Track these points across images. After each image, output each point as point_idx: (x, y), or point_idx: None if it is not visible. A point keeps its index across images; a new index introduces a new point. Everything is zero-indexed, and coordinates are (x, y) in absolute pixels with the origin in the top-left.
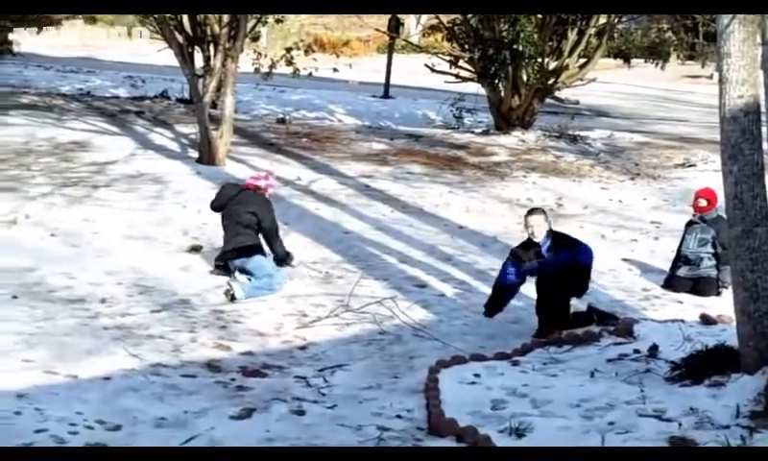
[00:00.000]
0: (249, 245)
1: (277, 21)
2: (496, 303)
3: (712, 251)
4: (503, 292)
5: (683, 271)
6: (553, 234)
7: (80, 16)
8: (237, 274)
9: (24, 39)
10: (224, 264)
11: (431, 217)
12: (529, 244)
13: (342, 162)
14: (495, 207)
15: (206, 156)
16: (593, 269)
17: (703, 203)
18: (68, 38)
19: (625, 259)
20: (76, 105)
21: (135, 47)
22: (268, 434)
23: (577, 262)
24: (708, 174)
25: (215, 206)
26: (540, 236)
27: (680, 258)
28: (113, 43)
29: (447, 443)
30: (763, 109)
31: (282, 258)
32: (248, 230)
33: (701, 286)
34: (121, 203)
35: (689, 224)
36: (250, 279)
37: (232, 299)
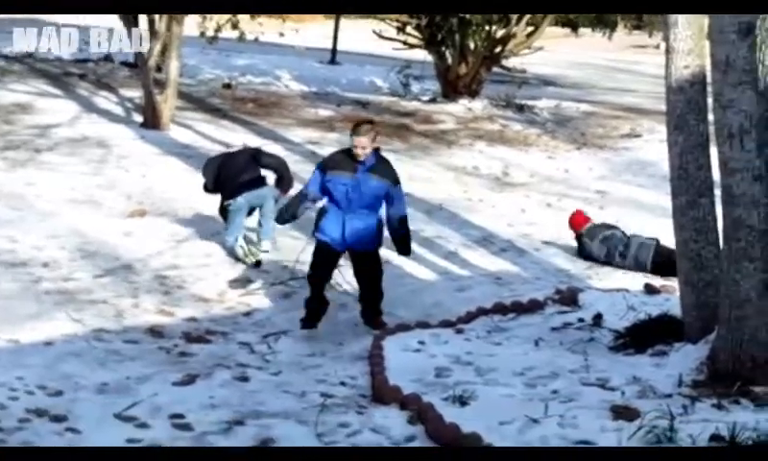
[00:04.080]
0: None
1: None
2: (291, 210)
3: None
4: (303, 201)
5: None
6: (378, 157)
7: None
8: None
9: None
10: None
11: None
12: (349, 156)
13: (288, 129)
14: (441, 175)
15: (151, 120)
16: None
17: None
18: None
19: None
20: (18, 67)
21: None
22: (211, 400)
23: (391, 213)
24: (654, 144)
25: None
26: (363, 157)
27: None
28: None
29: (391, 410)
30: (709, 80)
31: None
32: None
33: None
34: (64, 166)
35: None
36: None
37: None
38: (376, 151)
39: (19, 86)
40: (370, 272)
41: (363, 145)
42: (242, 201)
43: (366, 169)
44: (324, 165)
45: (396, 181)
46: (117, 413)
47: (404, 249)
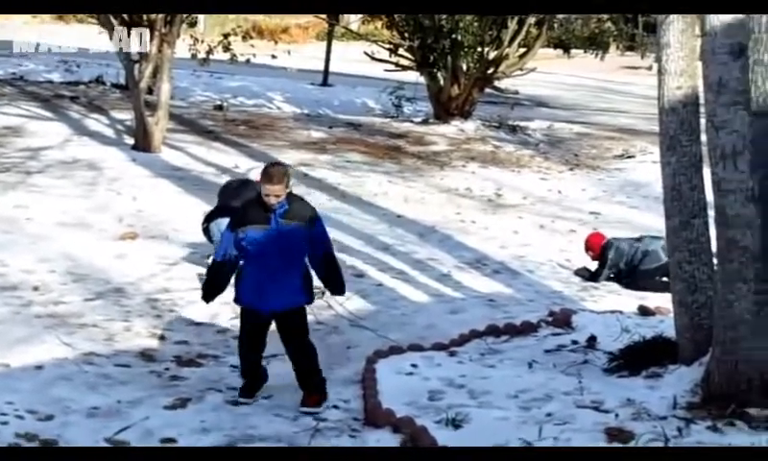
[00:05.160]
0: None
1: None
2: (214, 283)
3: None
4: (223, 268)
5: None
6: (290, 198)
7: None
8: None
9: None
10: None
11: (370, 206)
12: (259, 204)
13: (280, 150)
14: (434, 197)
15: (142, 142)
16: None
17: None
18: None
19: (563, 250)
20: (9, 89)
21: (72, 31)
22: (203, 424)
23: (318, 249)
24: (647, 165)
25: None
26: (276, 204)
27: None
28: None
29: (384, 434)
30: (701, 101)
31: None
32: None
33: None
34: (55, 189)
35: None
36: None
37: None
38: (289, 194)
39: (10, 109)
40: (296, 334)
41: (277, 193)
42: (213, 227)
43: (280, 215)
44: (235, 224)
45: (313, 220)
46: (108, 437)
47: (336, 288)
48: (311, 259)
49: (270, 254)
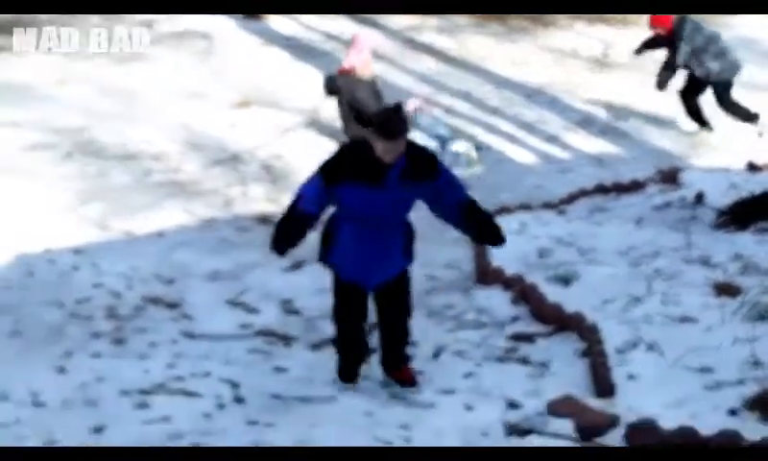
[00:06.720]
0: None
1: None
2: (288, 234)
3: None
4: (299, 222)
5: None
6: (410, 149)
7: None
8: None
9: None
10: None
11: (477, 69)
12: (370, 161)
13: (387, 15)
14: (541, 58)
15: None
16: None
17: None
18: None
19: (672, 108)
20: None
21: None
22: (319, 286)
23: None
24: (760, 21)
25: None
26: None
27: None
28: None
29: (494, 291)
30: None
31: None
32: None
33: None
34: (169, 60)
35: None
36: None
37: None
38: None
39: None
40: (399, 299)
41: (398, 150)
42: None
43: (398, 175)
44: (331, 175)
45: (438, 173)
46: (229, 299)
47: (490, 237)
48: (439, 210)
49: (377, 219)
